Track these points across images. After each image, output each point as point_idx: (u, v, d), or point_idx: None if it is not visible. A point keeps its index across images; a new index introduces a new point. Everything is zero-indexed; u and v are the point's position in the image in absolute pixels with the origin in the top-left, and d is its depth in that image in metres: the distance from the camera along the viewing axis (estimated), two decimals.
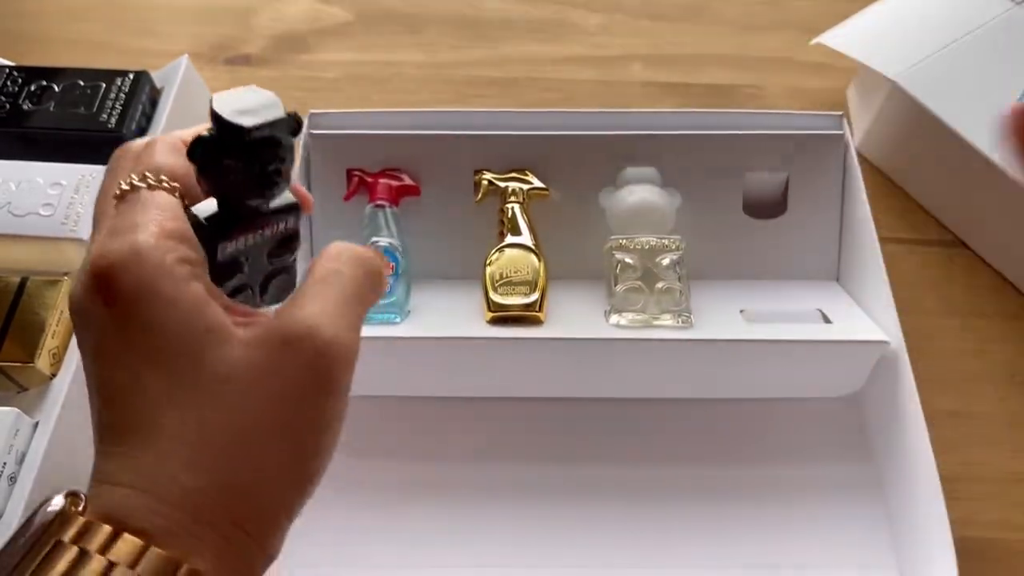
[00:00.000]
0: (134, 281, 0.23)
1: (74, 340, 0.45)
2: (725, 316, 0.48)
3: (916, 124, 0.55)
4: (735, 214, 0.53)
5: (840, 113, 0.53)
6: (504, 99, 0.64)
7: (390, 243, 0.49)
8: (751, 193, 0.53)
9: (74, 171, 0.49)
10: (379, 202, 0.51)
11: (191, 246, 0.25)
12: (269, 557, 0.24)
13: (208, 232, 0.26)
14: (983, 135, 0.52)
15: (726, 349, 0.46)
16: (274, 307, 0.28)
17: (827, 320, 0.49)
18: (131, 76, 0.54)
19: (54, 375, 0.44)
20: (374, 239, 0.50)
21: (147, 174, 0.25)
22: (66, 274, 0.46)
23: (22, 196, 0.48)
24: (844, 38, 0.59)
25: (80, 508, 0.22)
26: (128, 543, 0.21)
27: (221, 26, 0.67)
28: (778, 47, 0.67)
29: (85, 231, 0.47)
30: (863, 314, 0.49)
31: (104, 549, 0.21)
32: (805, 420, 0.49)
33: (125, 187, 0.25)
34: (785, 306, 0.50)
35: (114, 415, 0.23)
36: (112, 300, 0.23)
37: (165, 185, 0.25)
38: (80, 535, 0.21)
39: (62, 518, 0.22)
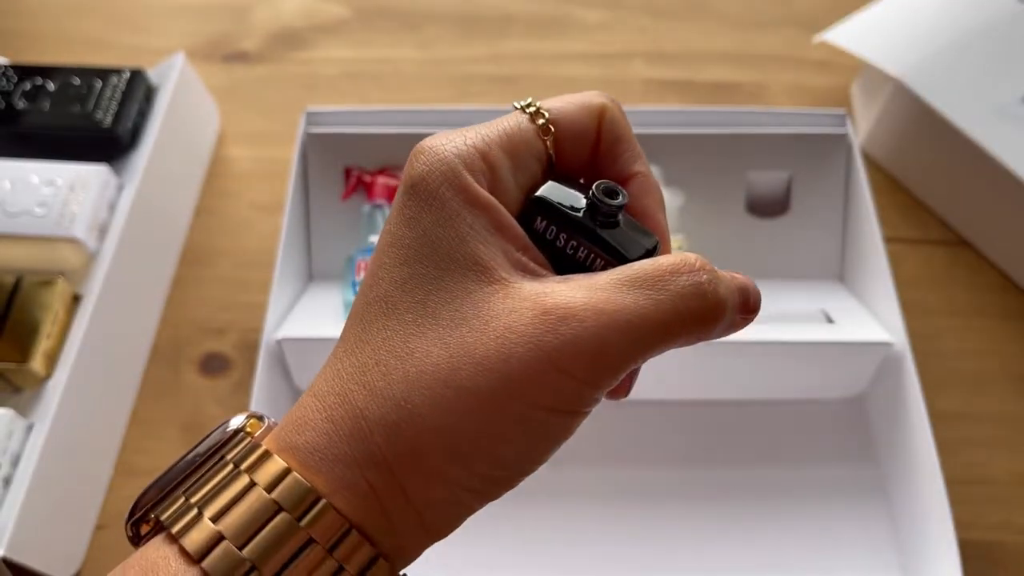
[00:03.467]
0: None
1: (68, 341, 0.45)
2: None
3: (920, 122, 0.55)
4: (738, 213, 0.52)
5: (844, 111, 0.52)
6: (504, 96, 0.63)
7: None
8: (754, 192, 0.53)
9: (69, 170, 0.48)
10: (377, 201, 0.50)
11: None
12: (427, 530, 0.22)
13: None
14: (988, 133, 0.52)
15: (728, 350, 0.45)
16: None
17: (830, 320, 0.48)
18: (127, 74, 0.53)
19: (48, 376, 0.44)
20: (372, 239, 0.49)
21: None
22: (61, 274, 0.46)
23: (16, 195, 0.47)
24: (848, 35, 0.59)
25: (259, 429, 0.23)
26: (274, 465, 0.21)
27: (218, 23, 0.67)
28: (781, 44, 0.66)
29: (80, 231, 0.47)
30: (867, 314, 0.48)
31: (252, 468, 0.21)
32: (808, 421, 0.49)
33: None
34: (788, 306, 0.49)
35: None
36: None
37: None
38: (244, 455, 0.21)
39: (235, 437, 0.22)
